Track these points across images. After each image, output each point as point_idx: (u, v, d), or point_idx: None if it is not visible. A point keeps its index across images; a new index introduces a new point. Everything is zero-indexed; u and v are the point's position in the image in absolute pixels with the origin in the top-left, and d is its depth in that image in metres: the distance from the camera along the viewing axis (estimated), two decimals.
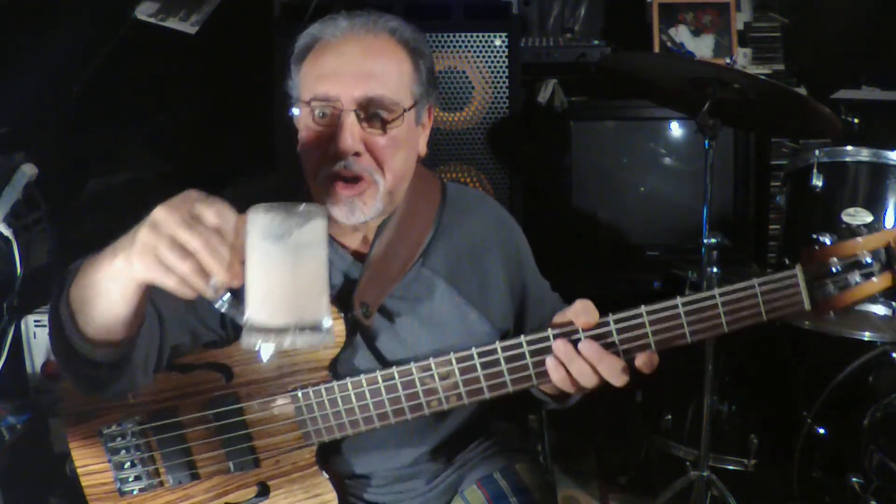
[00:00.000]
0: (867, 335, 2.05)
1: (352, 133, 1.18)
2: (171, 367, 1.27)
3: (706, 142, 2.05)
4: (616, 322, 1.14)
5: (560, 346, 1.14)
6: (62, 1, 2.16)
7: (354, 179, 1.21)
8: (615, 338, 1.14)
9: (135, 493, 1.30)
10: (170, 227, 0.94)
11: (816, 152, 2.01)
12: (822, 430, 2.10)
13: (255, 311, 0.95)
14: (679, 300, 1.13)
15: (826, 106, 1.96)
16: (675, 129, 2.88)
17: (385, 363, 1.29)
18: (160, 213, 0.95)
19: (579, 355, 1.13)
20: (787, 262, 2.05)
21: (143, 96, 2.62)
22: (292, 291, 0.95)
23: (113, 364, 1.11)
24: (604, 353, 1.12)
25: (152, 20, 2.39)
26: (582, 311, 1.14)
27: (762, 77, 2.10)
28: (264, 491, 1.29)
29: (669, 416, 2.40)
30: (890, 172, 1.95)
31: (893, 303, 1.91)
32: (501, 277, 1.40)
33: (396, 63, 1.23)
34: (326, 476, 1.29)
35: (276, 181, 1.48)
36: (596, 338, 1.14)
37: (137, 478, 1.29)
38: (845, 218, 1.97)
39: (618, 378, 1.13)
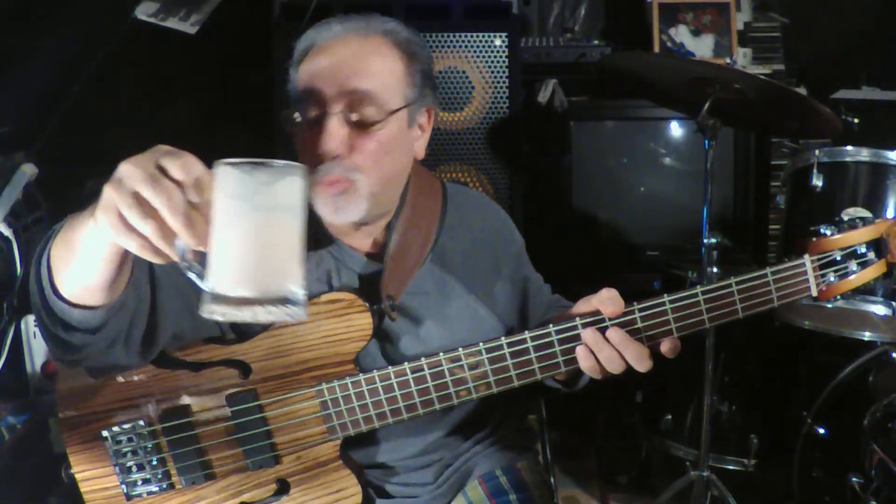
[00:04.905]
0: (867, 335, 2.05)
1: (335, 135, 1.19)
2: (181, 365, 1.26)
3: (706, 142, 2.05)
4: (640, 310, 1.19)
5: (589, 335, 1.18)
6: (63, 1, 2.16)
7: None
8: (640, 325, 1.18)
9: (144, 496, 1.27)
10: (133, 182, 0.85)
11: (816, 152, 2.01)
12: (822, 430, 2.09)
13: (217, 278, 0.85)
14: (699, 289, 1.19)
15: (826, 106, 1.96)
16: (675, 129, 2.88)
17: (399, 358, 1.31)
18: (124, 168, 0.86)
19: (607, 343, 1.17)
20: (786, 261, 2.05)
21: (143, 96, 2.62)
22: (258, 258, 0.84)
23: (89, 329, 1.04)
24: (630, 340, 1.17)
25: (152, 20, 2.39)
26: (608, 300, 1.18)
27: (762, 77, 2.09)
28: (284, 488, 1.28)
29: (669, 416, 2.40)
30: (890, 172, 1.94)
31: (893, 303, 1.91)
32: (505, 272, 1.44)
33: (387, 63, 1.24)
34: (349, 470, 1.28)
35: None
36: (621, 325, 1.18)
37: (147, 481, 1.27)
38: (845, 218, 1.97)
39: (642, 364, 1.17)
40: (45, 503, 1.95)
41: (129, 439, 1.26)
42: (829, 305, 1.96)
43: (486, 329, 1.37)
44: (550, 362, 1.21)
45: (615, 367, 1.18)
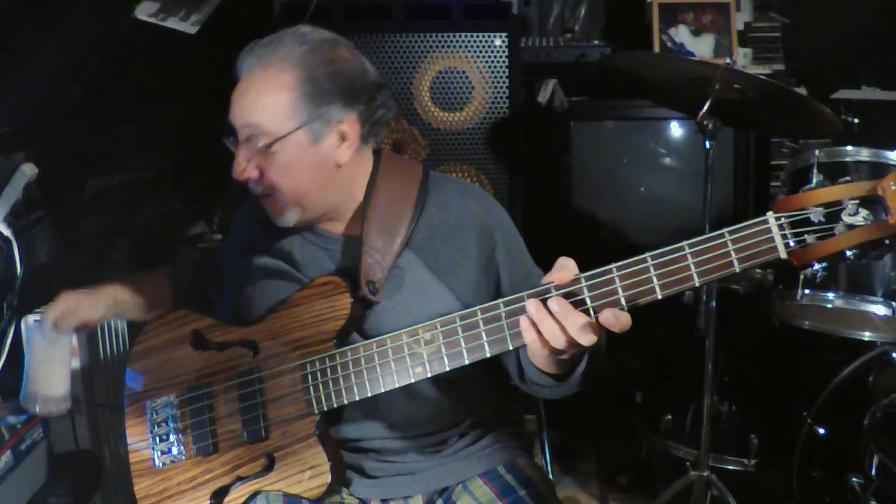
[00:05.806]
0: (867, 335, 2.05)
1: (240, 162, 1.37)
2: (212, 346, 1.42)
3: (706, 142, 2.05)
4: (587, 279, 1.15)
5: (532, 306, 1.14)
6: (62, 1, 2.16)
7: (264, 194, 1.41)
8: (586, 295, 1.14)
9: (167, 464, 1.42)
10: None
11: (816, 152, 2.00)
12: (822, 430, 2.10)
13: (32, 387, 1.54)
14: (648, 255, 1.13)
15: (826, 106, 1.96)
16: (675, 129, 2.88)
17: (367, 335, 1.37)
18: None
19: (549, 314, 1.13)
20: None
21: (142, 96, 2.62)
22: (46, 381, 1.55)
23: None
24: (571, 310, 1.12)
25: (152, 20, 2.40)
26: (560, 268, 1.17)
27: (762, 77, 2.10)
28: (270, 464, 1.36)
29: (669, 416, 2.40)
30: (890, 172, 1.94)
31: (893, 303, 1.91)
32: (474, 256, 1.42)
33: (275, 93, 1.35)
34: (322, 448, 1.33)
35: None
36: (567, 296, 1.14)
37: (170, 450, 1.42)
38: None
39: (586, 336, 1.11)
40: (45, 503, 1.95)
41: (164, 409, 1.43)
42: (829, 306, 1.96)
43: (440, 304, 1.37)
44: (497, 336, 1.20)
45: (558, 341, 1.13)
